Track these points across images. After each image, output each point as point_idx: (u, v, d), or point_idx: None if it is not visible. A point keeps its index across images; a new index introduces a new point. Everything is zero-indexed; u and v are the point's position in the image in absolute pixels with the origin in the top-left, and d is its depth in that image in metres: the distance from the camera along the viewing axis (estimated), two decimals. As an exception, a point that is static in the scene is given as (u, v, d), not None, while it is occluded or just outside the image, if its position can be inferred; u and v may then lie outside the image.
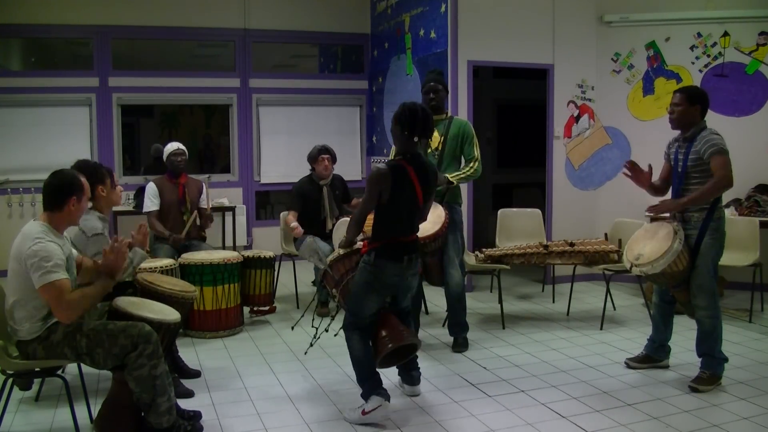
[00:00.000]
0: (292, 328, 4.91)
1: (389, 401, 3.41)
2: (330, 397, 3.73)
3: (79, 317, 2.98)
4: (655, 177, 4.12)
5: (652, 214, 3.94)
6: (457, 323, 4.64)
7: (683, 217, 3.88)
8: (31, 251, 2.85)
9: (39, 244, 2.86)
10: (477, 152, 4.60)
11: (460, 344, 4.59)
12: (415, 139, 3.43)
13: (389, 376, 3.88)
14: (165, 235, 5.19)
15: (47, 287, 2.84)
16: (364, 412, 3.37)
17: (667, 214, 4.04)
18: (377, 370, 3.49)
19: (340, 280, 3.64)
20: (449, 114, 4.74)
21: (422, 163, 3.48)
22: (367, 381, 3.45)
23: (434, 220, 4.30)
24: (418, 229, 3.58)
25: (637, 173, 4.06)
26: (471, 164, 4.57)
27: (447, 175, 4.50)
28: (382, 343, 3.44)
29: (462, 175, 4.55)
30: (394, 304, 3.66)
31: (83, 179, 3.10)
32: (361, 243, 3.60)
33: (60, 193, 2.99)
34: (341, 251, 3.67)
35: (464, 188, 4.73)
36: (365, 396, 3.42)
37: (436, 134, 4.54)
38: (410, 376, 3.79)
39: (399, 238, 3.44)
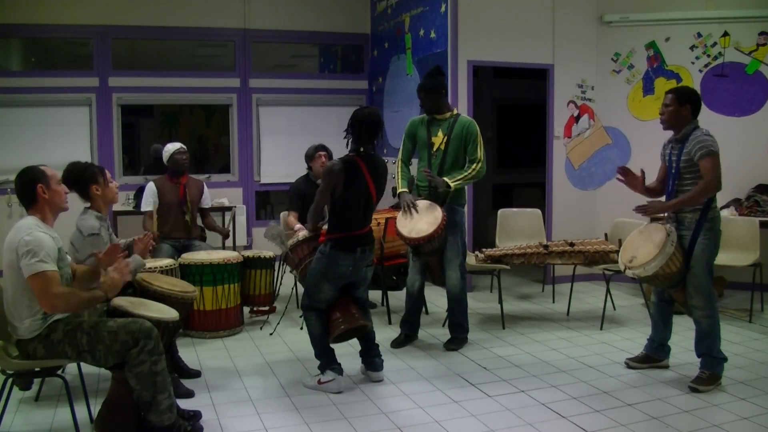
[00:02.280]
0: (261, 328, 4.89)
1: (342, 375, 3.85)
2: (330, 397, 3.73)
3: (67, 313, 2.98)
4: (651, 179, 4.12)
5: (641, 213, 3.94)
6: (456, 324, 4.65)
7: (677, 218, 3.89)
8: (24, 241, 2.87)
9: (31, 235, 2.89)
10: (480, 152, 4.46)
11: (451, 341, 4.59)
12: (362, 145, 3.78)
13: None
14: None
15: (36, 277, 2.84)
16: (319, 382, 3.83)
17: (663, 215, 4.05)
18: (331, 346, 3.90)
19: (300, 263, 4.09)
20: (454, 112, 4.57)
21: (373, 158, 3.83)
22: (323, 356, 3.88)
23: (430, 221, 4.29)
24: (371, 222, 3.91)
25: (630, 178, 4.09)
26: (473, 165, 4.46)
27: (446, 179, 4.41)
28: (336, 323, 3.80)
29: (461, 179, 4.44)
30: (351, 292, 3.93)
31: (43, 167, 3.11)
32: (320, 230, 3.96)
33: (26, 188, 3.04)
34: (300, 237, 4.12)
35: (465, 188, 4.64)
36: (321, 369, 3.87)
37: (440, 133, 4.51)
38: (373, 362, 4.01)
39: (353, 232, 3.76)
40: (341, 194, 3.72)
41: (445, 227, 4.30)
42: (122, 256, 3.25)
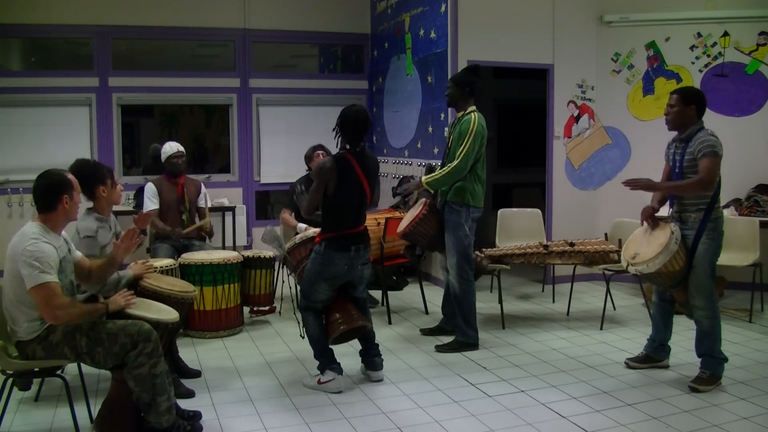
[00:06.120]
0: (302, 336, 4.87)
1: (341, 375, 3.85)
2: (330, 398, 3.73)
3: (69, 323, 2.97)
4: (657, 178, 4.13)
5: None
6: (455, 323, 4.66)
7: (680, 217, 3.88)
8: (26, 251, 2.85)
9: (34, 245, 2.86)
10: (462, 150, 4.34)
11: (442, 346, 4.58)
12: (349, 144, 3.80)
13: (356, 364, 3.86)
14: (167, 231, 5.19)
15: (37, 288, 2.84)
16: (319, 382, 3.83)
17: (666, 214, 4.05)
18: (330, 347, 3.90)
19: (297, 265, 4.15)
20: (468, 111, 4.49)
21: (364, 155, 3.85)
22: (322, 356, 3.88)
23: (409, 216, 4.60)
24: (365, 220, 3.91)
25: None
26: (451, 163, 4.38)
27: (423, 177, 4.50)
28: (335, 324, 3.81)
29: (432, 178, 4.43)
30: (350, 293, 3.94)
31: (71, 176, 3.09)
32: (316, 232, 3.99)
33: (50, 194, 2.99)
34: (297, 240, 4.19)
35: (470, 187, 4.52)
36: (321, 369, 3.86)
37: (452, 132, 4.56)
38: (373, 362, 4.01)
39: (347, 231, 3.77)
40: (334, 191, 3.74)
41: (426, 223, 4.52)
42: (138, 242, 3.35)
